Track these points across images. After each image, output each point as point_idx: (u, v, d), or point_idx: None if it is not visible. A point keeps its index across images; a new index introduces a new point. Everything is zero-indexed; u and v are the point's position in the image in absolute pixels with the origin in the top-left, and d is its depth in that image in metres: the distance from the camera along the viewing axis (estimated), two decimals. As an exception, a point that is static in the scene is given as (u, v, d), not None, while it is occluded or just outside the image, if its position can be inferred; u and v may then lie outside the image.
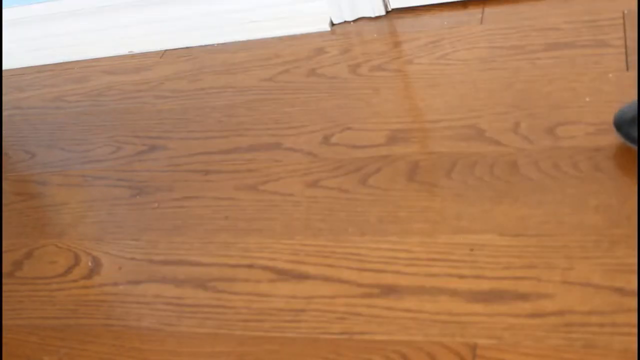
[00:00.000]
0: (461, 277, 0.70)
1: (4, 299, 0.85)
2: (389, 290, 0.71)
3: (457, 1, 1.05)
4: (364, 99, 0.93)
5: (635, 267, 0.66)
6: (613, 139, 0.78)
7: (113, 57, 1.23)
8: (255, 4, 1.13)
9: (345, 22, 1.12)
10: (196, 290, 0.78)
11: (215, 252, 0.82)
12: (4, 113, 1.19)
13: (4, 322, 0.82)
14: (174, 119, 1.05)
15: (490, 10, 1.02)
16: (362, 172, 0.85)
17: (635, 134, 0.76)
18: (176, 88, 1.11)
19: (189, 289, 0.79)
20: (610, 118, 0.81)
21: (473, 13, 1.03)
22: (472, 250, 0.72)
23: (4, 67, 1.29)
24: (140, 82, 1.15)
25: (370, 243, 0.76)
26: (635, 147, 0.76)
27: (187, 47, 1.17)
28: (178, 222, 0.87)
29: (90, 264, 0.86)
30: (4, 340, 0.80)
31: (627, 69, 0.86)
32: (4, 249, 0.92)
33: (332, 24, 1.12)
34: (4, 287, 0.87)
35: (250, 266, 0.79)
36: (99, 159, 1.02)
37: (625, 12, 0.93)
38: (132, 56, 1.22)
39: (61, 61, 1.26)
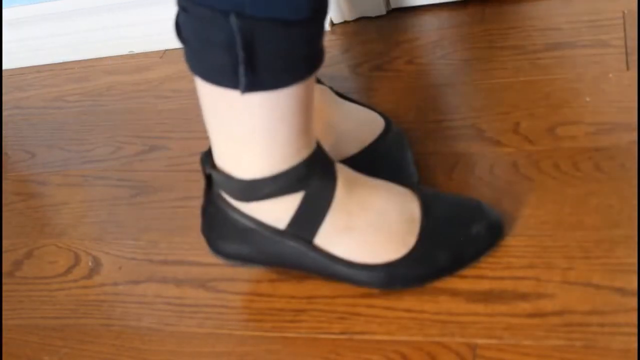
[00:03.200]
0: (461, 277, 0.70)
1: (4, 299, 0.85)
2: (389, 290, 0.71)
3: (457, 1, 1.05)
4: (364, 99, 0.93)
5: (636, 267, 0.66)
6: (613, 139, 0.78)
7: (113, 57, 1.23)
8: (255, 4, 1.13)
9: (345, 22, 1.11)
10: (196, 290, 0.78)
11: (215, 252, 0.82)
12: (4, 113, 1.19)
13: (4, 322, 0.82)
14: (174, 119, 1.05)
15: (490, 10, 1.02)
16: (362, 172, 0.85)
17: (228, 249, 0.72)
18: (176, 88, 1.10)
19: (189, 289, 0.79)
20: (610, 118, 0.81)
21: (473, 13, 1.03)
22: (472, 250, 0.72)
23: (4, 67, 1.29)
24: (141, 82, 1.15)
25: (370, 243, 0.76)
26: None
27: (187, 47, 1.16)
28: (178, 222, 0.87)
29: (90, 263, 0.86)
30: (4, 340, 0.80)
31: (628, 69, 0.86)
32: (4, 249, 0.92)
33: (332, 24, 1.12)
34: (4, 287, 0.87)
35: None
36: (99, 159, 1.02)
37: (626, 12, 0.93)
38: (132, 56, 1.22)
39: (61, 61, 1.26)
